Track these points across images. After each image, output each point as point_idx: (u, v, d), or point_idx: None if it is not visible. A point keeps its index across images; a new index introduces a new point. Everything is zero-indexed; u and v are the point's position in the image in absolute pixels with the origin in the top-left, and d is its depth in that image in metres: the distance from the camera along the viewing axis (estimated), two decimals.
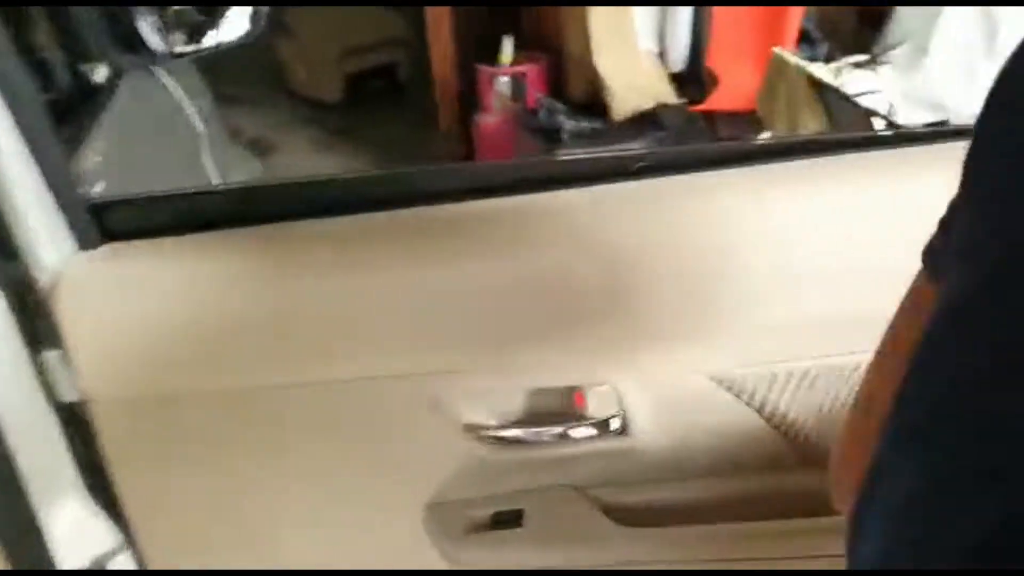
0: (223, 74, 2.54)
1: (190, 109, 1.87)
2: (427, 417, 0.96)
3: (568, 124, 2.92)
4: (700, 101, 3.01)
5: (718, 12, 2.96)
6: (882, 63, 2.78)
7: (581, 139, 2.90)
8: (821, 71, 2.51)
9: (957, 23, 2.70)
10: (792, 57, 2.47)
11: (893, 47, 2.86)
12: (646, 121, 2.95)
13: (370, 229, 0.91)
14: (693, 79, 3.05)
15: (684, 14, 3.03)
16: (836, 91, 2.39)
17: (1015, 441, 0.35)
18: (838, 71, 2.76)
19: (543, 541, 1.00)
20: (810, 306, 0.90)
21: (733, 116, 2.84)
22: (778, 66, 2.49)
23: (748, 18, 2.92)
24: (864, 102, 2.52)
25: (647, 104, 2.98)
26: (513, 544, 1.00)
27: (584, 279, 0.89)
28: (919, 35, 2.81)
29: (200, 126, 1.85)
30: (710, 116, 2.96)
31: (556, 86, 3.17)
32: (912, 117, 2.79)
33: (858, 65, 2.77)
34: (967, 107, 2.60)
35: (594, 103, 3.01)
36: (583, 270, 0.89)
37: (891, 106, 2.66)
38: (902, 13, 2.86)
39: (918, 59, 2.81)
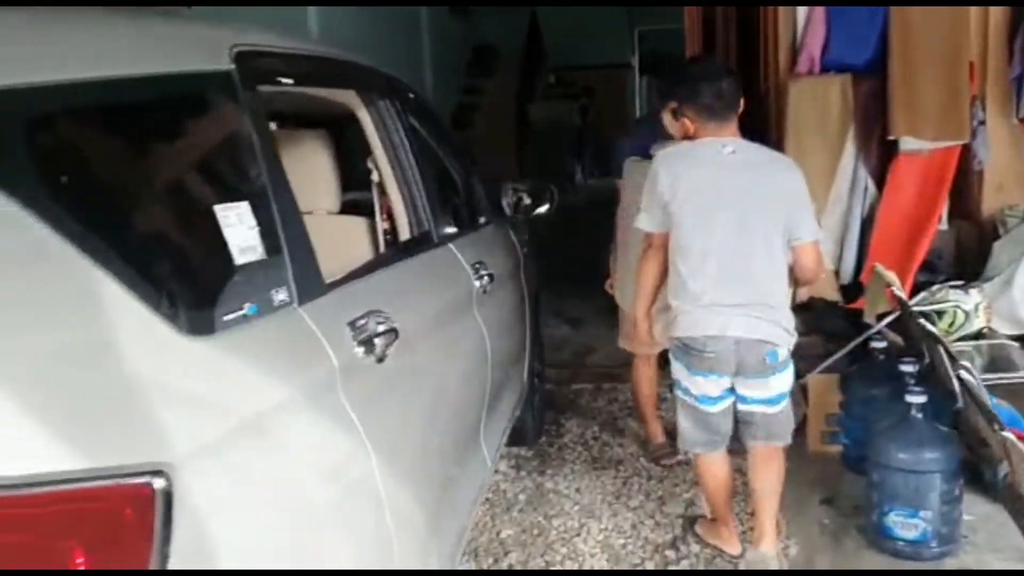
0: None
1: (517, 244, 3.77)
2: None
3: None
4: (853, 301, 4.44)
5: (872, 247, 4.42)
6: (973, 287, 4.05)
7: None
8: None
9: None
10: (883, 271, 3.87)
11: (989, 278, 4.15)
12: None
13: None
14: (851, 288, 4.50)
15: (852, 249, 4.54)
16: (905, 303, 3.74)
17: None
18: (938, 288, 4.07)
19: None
20: None
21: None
22: (876, 277, 3.92)
23: (890, 250, 4.34)
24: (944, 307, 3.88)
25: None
26: None
27: None
28: (1007, 271, 4.09)
29: (520, 253, 3.74)
30: (855, 312, 4.35)
31: None
32: (1000, 327, 4.02)
33: (954, 286, 4.07)
34: None
35: None
36: None
37: (966, 315, 3.92)
38: (997, 255, 4.17)
39: (1006, 287, 4.07)
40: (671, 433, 3.82)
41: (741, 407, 2.83)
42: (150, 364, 1.15)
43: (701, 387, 2.79)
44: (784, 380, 2.79)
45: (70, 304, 1.10)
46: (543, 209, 3.61)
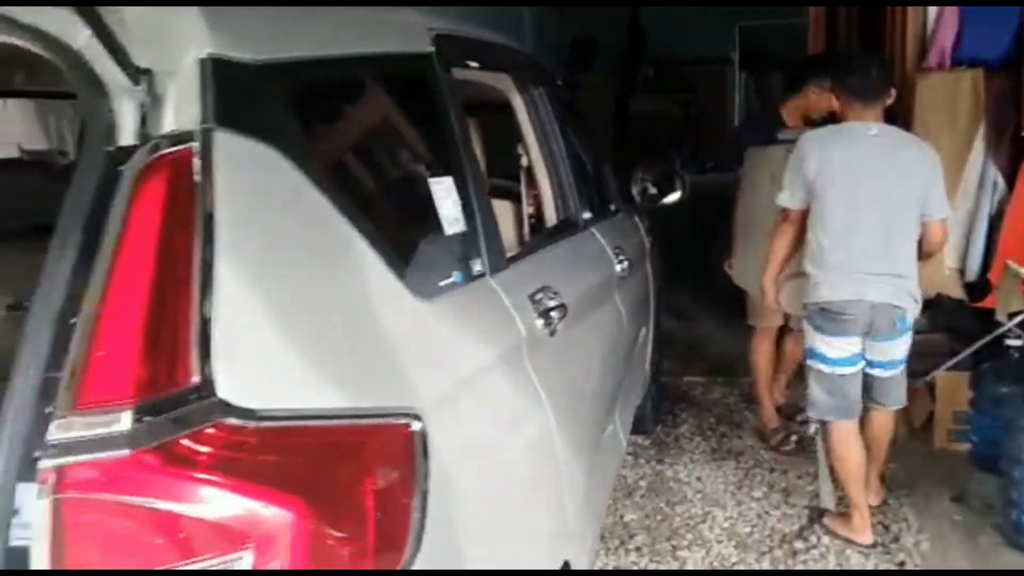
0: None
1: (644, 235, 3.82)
2: None
3: None
4: (979, 299, 4.35)
5: (1002, 243, 4.32)
6: None
7: None
8: None
9: None
10: (1017, 267, 3.79)
11: None
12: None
13: None
14: (978, 286, 4.41)
15: (979, 245, 4.44)
16: None
17: None
18: None
19: None
20: None
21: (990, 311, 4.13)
22: (1008, 274, 3.84)
23: (1020, 249, 4.24)
24: None
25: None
26: None
27: None
28: None
29: (646, 242, 3.79)
30: (981, 310, 4.26)
31: None
32: None
33: None
34: None
35: None
36: None
37: None
38: None
39: None
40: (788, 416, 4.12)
41: (866, 371, 3.09)
42: (394, 321, 1.25)
43: (836, 348, 3.02)
44: (905, 346, 3.09)
45: (337, 266, 1.21)
46: (674, 197, 3.64)
